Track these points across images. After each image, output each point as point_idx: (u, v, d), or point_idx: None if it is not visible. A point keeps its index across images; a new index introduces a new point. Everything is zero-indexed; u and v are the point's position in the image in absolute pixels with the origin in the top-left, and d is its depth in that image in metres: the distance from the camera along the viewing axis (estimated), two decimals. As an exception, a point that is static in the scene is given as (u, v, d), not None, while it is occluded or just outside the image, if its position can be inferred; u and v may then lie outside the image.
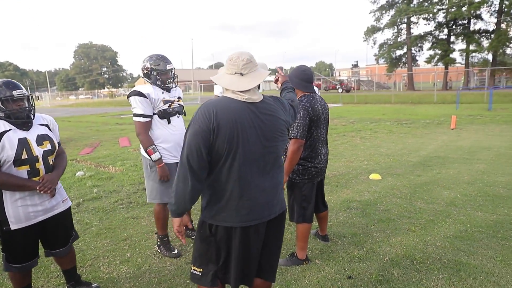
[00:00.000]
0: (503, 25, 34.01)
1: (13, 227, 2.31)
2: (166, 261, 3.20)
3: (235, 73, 1.74)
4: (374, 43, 42.54)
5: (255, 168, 1.75)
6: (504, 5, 32.84)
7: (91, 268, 3.14)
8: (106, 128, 14.59)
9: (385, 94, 29.47)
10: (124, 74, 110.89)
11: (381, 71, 55.49)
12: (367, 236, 3.50)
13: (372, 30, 41.30)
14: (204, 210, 1.85)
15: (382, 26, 40.69)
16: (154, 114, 3.10)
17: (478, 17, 35.75)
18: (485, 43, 35.88)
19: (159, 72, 3.11)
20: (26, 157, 2.29)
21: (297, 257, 3.01)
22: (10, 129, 2.28)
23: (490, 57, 35.54)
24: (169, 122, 3.15)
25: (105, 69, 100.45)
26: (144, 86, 3.10)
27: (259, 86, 1.88)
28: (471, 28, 36.58)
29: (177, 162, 3.17)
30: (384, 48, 41.36)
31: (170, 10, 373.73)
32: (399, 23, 39.83)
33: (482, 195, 4.58)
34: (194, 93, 43.25)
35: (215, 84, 4.06)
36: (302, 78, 2.90)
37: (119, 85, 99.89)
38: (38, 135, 2.40)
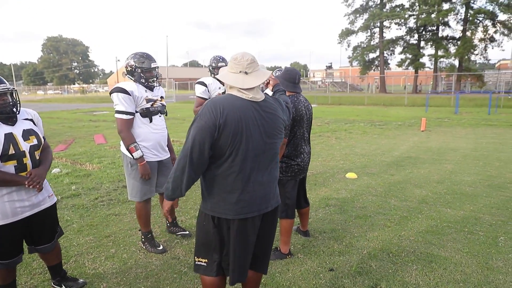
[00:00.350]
0: (468, 33, 35.67)
1: (0, 222, 2.31)
2: (152, 256, 3.25)
3: (240, 72, 1.84)
4: (348, 46, 43.53)
5: (256, 163, 1.86)
6: (469, 14, 34.48)
7: (75, 264, 3.14)
8: (79, 125, 14.25)
9: (358, 96, 30.23)
10: (96, 70, 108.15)
11: (354, 73, 56.77)
12: (345, 232, 3.67)
13: (346, 33, 42.23)
14: (205, 202, 1.94)
15: (356, 29, 41.71)
16: (136, 112, 3.11)
17: (446, 24, 37.32)
18: (452, 49, 37.51)
19: (143, 70, 3.13)
20: (14, 152, 2.29)
21: (281, 251, 3.14)
22: None
23: (456, 62, 37.19)
24: (151, 121, 3.15)
25: (75, 64, 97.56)
26: (127, 83, 3.10)
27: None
28: (440, 35, 38.13)
29: (158, 161, 3.24)
30: (358, 51, 42.39)
31: (144, 4, 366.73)
32: (372, 27, 40.97)
33: (450, 193, 4.87)
34: (168, 90, 42.63)
35: (198, 84, 4.15)
36: (286, 78, 3.03)
37: (90, 81, 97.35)
38: (24, 130, 2.40)
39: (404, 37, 40.58)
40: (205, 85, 4.17)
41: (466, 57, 35.49)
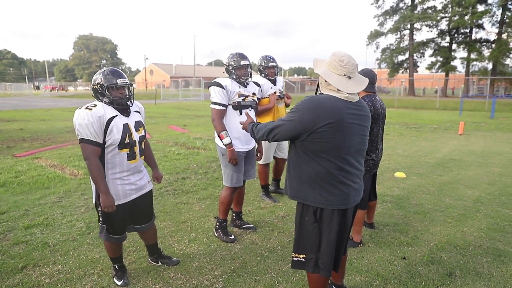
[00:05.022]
0: (504, 36, 34.71)
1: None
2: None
3: (344, 75, 1.99)
4: (377, 48, 43.08)
5: (353, 159, 2.06)
6: (506, 16, 33.53)
7: (162, 245, 3.45)
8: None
9: (387, 99, 29.93)
10: (123, 68, 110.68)
11: (380, 75, 56.07)
12: (408, 226, 3.86)
13: (375, 35, 41.82)
14: (306, 194, 2.09)
15: (385, 31, 41.24)
16: (229, 104, 3.41)
17: (480, 26, 36.47)
18: (486, 52, 36.55)
19: (235, 68, 3.43)
20: (128, 141, 2.58)
21: (353, 240, 3.36)
22: (116, 115, 2.55)
23: (490, 66, 36.22)
24: (240, 113, 3.43)
25: (104, 61, 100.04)
26: (223, 79, 3.43)
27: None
28: (473, 37, 37.27)
29: (245, 151, 3.51)
30: (387, 53, 41.94)
31: (171, 5, 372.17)
32: (403, 29, 40.41)
33: (504, 194, 4.96)
34: (195, 89, 43.26)
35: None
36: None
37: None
38: (135, 121, 2.69)
39: (435, 39, 39.88)
40: (258, 85, 4.31)
41: (501, 60, 34.56)
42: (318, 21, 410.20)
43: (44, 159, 7.10)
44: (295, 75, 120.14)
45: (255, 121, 2.46)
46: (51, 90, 61.06)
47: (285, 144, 4.83)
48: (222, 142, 3.35)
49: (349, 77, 2.00)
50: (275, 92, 4.40)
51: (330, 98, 1.99)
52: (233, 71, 3.44)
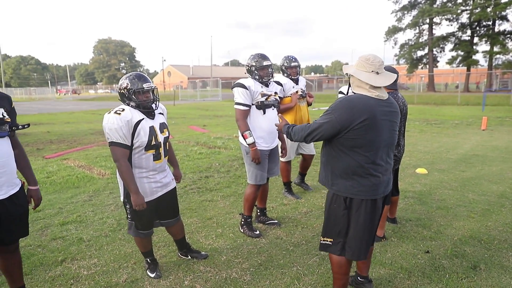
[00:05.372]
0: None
1: None
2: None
3: (372, 71, 2.16)
4: (395, 43, 42.43)
5: (384, 153, 2.21)
6: (531, 7, 32.45)
7: (191, 240, 3.59)
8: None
9: (407, 95, 29.48)
10: (141, 70, 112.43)
11: (399, 71, 55.17)
12: (431, 221, 3.89)
13: (393, 31, 41.21)
14: (337, 185, 2.25)
15: (403, 26, 40.57)
16: (252, 104, 3.52)
17: (504, 18, 35.33)
18: (510, 44, 35.49)
19: (257, 68, 3.53)
20: (154, 143, 2.70)
21: (376, 234, 3.42)
22: (143, 118, 2.67)
23: (514, 59, 35.13)
24: (264, 113, 3.54)
25: (123, 64, 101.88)
26: (246, 80, 3.54)
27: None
28: (496, 30, 36.21)
29: (268, 150, 3.62)
30: (405, 49, 41.25)
31: (188, 7, 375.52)
32: (421, 24, 39.66)
33: (529, 189, 4.91)
34: (213, 89, 43.63)
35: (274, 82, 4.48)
36: None
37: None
38: (160, 123, 2.81)
39: (455, 33, 38.97)
40: (280, 84, 4.42)
41: (527, 52, 33.51)
42: (334, 18, 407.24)
43: (72, 160, 7.39)
44: (312, 73, 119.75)
45: (289, 123, 2.58)
46: (64, 94, 62.72)
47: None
48: (246, 141, 3.46)
49: (377, 73, 2.16)
50: (297, 91, 4.50)
51: (362, 97, 2.15)
52: (255, 71, 3.54)
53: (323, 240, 2.38)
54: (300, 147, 4.86)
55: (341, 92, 4.66)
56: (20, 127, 2.35)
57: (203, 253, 3.29)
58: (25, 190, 2.45)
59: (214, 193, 5.04)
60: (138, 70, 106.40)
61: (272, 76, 3.62)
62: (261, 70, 3.54)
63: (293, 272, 2.96)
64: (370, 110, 2.10)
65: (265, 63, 3.53)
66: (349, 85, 2.34)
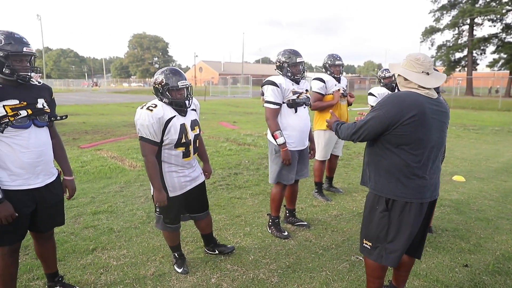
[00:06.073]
0: None
1: (171, 194, 2.75)
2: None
3: (422, 72, 2.06)
4: (432, 44, 40.96)
5: (432, 153, 2.09)
6: None
7: (218, 237, 3.57)
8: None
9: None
10: (174, 65, 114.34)
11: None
12: (469, 232, 3.68)
13: (430, 31, 39.80)
14: (380, 185, 2.15)
15: (442, 27, 39.07)
16: (283, 103, 3.43)
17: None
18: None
19: (289, 65, 3.42)
20: (185, 140, 2.69)
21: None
22: (175, 116, 2.64)
23: None
24: (295, 111, 3.44)
25: (156, 59, 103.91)
26: (277, 77, 3.43)
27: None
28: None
29: (298, 150, 3.52)
30: (443, 50, 39.73)
31: (221, 3, 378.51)
32: (461, 24, 38.06)
33: None
34: (243, 86, 43.76)
35: (316, 80, 4.40)
36: None
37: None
38: (191, 120, 2.78)
39: (498, 34, 37.10)
40: (323, 81, 4.41)
41: None
42: (368, 17, 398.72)
43: (105, 151, 7.57)
44: (344, 73, 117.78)
45: (340, 120, 2.48)
46: (87, 86, 64.81)
47: (341, 141, 4.80)
48: (276, 142, 3.36)
49: (427, 74, 2.07)
50: (339, 90, 4.42)
51: (411, 93, 2.06)
52: (288, 68, 3.42)
53: (364, 243, 2.29)
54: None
55: (371, 94, 4.53)
56: (58, 118, 2.39)
57: (230, 246, 3.28)
58: (61, 180, 2.49)
59: (243, 191, 5.00)
60: (171, 65, 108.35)
61: (303, 73, 3.51)
62: (293, 66, 3.42)
63: (322, 277, 2.87)
64: (419, 106, 2.00)
65: (298, 59, 3.41)
66: (395, 86, 2.27)
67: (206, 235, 3.21)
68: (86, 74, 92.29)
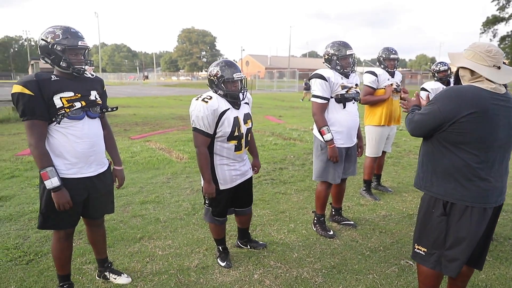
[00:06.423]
0: None
1: (221, 187, 2.74)
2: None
3: (494, 65, 1.86)
4: (494, 36, 38.18)
5: (497, 154, 1.88)
6: None
7: (262, 232, 3.54)
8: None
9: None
10: (221, 58, 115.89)
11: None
12: (536, 241, 3.36)
13: (493, 21, 37.09)
14: (437, 186, 1.99)
15: (506, 16, 36.21)
16: (331, 97, 3.29)
17: None
18: None
19: (339, 58, 3.26)
20: (237, 134, 2.66)
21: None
22: (229, 108, 2.63)
23: None
24: (344, 106, 3.29)
25: (204, 53, 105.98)
26: (325, 70, 3.29)
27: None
28: None
29: (346, 148, 3.37)
30: (506, 42, 36.87)
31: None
32: (530, 13, 35.09)
33: None
34: (289, 80, 43.43)
35: (368, 73, 4.21)
36: None
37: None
38: (244, 114, 2.75)
39: None
40: (375, 75, 4.21)
41: None
42: (422, 7, 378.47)
43: (154, 142, 7.81)
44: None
45: (419, 105, 2.26)
46: (133, 80, 67.21)
47: (392, 137, 4.58)
48: (323, 138, 3.24)
49: (498, 67, 1.88)
50: (391, 84, 4.22)
51: (472, 88, 1.87)
52: (337, 61, 3.28)
53: (417, 248, 2.13)
54: None
55: (423, 89, 4.26)
56: (109, 109, 2.46)
57: (261, 243, 3.26)
58: (111, 169, 2.56)
59: (288, 186, 4.93)
60: (217, 58, 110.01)
61: (353, 67, 3.34)
62: (343, 59, 3.27)
63: (368, 280, 2.74)
64: (481, 103, 1.80)
65: (348, 52, 3.25)
66: (456, 78, 2.05)
67: (243, 229, 3.20)
68: (137, 68, 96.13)
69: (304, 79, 30.30)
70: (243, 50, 69.88)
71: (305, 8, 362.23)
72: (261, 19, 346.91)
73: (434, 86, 4.19)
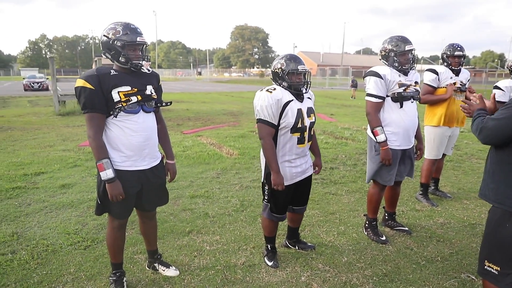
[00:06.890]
0: None
1: None
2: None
3: None
4: None
5: None
6: None
7: (310, 233, 3.45)
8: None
9: None
10: (273, 55, 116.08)
11: None
12: None
13: None
14: (506, 197, 1.81)
15: None
16: (387, 96, 3.10)
17: None
18: None
19: (397, 54, 3.06)
20: (300, 126, 2.62)
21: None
22: (292, 100, 2.61)
23: None
24: (401, 106, 3.09)
25: (256, 49, 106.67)
26: (381, 67, 3.12)
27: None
28: None
29: (402, 150, 3.17)
30: None
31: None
32: None
33: None
34: (342, 78, 42.49)
35: (428, 71, 3.95)
36: None
37: (267, 65, 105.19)
38: (308, 107, 2.71)
39: None
40: (436, 73, 3.94)
41: None
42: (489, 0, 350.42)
43: (205, 137, 7.97)
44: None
45: (484, 108, 2.03)
46: (181, 76, 68.86)
47: (453, 139, 4.26)
48: (376, 139, 3.08)
49: None
50: (454, 83, 3.92)
51: None
52: (395, 57, 3.08)
53: (488, 266, 1.92)
54: None
55: (497, 87, 3.90)
56: (164, 104, 2.50)
57: (309, 244, 3.17)
58: (164, 163, 2.62)
59: (339, 187, 4.78)
60: (270, 55, 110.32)
61: (413, 63, 3.12)
62: (401, 55, 3.06)
63: (424, 292, 2.56)
64: None
65: (407, 47, 3.04)
66: None
67: (293, 229, 3.14)
68: (191, 64, 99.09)
69: (351, 77, 29.48)
70: (295, 46, 69.47)
71: (359, 3, 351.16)
72: (313, 16, 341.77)
73: (509, 85, 3.84)
